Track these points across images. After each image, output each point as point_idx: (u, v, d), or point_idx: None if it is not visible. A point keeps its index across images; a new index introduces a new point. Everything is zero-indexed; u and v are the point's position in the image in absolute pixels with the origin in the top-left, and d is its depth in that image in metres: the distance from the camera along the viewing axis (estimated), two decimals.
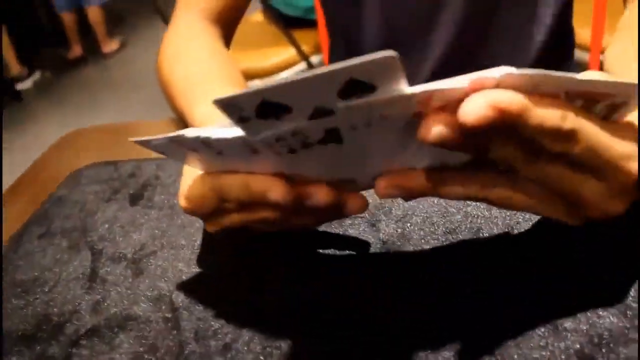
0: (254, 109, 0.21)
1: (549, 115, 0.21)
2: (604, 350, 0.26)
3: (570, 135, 0.21)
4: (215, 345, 0.31)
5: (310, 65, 1.53)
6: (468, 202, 0.37)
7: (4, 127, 2.73)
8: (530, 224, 0.34)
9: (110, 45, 3.48)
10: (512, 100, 0.20)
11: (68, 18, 3.38)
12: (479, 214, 0.36)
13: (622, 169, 0.23)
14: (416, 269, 0.33)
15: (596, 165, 0.23)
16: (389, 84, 0.20)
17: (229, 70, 0.48)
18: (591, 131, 0.22)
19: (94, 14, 3.34)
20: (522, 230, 0.34)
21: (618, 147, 0.23)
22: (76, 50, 3.49)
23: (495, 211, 0.35)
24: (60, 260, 0.41)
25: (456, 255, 0.33)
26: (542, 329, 0.28)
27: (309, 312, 0.32)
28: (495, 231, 0.34)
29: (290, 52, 1.51)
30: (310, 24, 1.50)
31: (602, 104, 0.23)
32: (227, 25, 0.59)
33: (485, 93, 0.20)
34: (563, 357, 0.27)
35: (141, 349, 0.32)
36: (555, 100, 0.21)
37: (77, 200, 0.48)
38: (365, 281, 0.33)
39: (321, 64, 1.49)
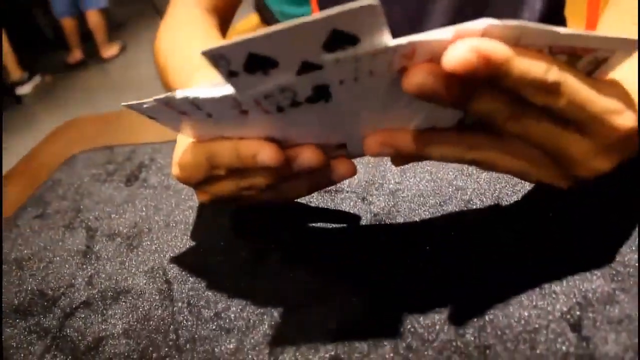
0: (242, 62, 0.21)
1: (533, 67, 0.21)
2: (590, 312, 0.27)
3: (554, 88, 0.22)
4: (207, 313, 0.31)
5: None
6: (458, 176, 0.37)
7: (4, 129, 2.73)
8: (520, 195, 0.34)
9: (110, 50, 3.50)
10: (496, 48, 0.20)
11: (68, 23, 3.40)
12: (469, 187, 0.36)
13: (607, 123, 0.23)
14: (407, 239, 0.33)
15: (581, 119, 0.23)
16: (372, 35, 0.20)
17: None
18: (575, 85, 0.22)
19: (94, 19, 3.36)
20: (512, 201, 0.34)
21: (602, 101, 0.23)
22: (76, 55, 3.51)
23: (484, 183, 0.36)
24: (55, 239, 0.42)
25: (447, 225, 0.33)
26: (532, 293, 0.28)
27: (300, 279, 0.32)
28: (485, 202, 0.34)
29: None
30: None
31: (585, 60, 0.23)
32: (223, 16, 0.60)
33: (469, 40, 0.20)
34: (551, 318, 0.27)
35: (134, 319, 0.32)
36: (539, 53, 0.22)
37: (73, 183, 0.48)
38: (356, 252, 0.33)
39: None
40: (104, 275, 0.36)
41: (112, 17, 3.68)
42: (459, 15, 0.58)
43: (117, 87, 3.07)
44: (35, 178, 0.52)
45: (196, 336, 0.30)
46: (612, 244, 0.30)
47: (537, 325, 0.26)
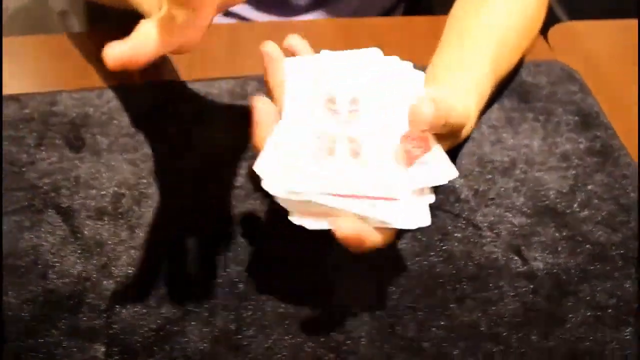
0: None
1: None
2: (520, 240, 0.41)
3: None
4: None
5: None
6: None
7: None
8: None
9: None
10: None
11: None
12: None
13: None
14: None
15: None
16: None
17: None
18: None
19: None
20: None
21: None
22: None
23: None
24: (24, 227, 0.38)
25: None
26: (488, 233, 0.41)
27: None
28: None
29: None
30: None
31: None
32: None
33: None
34: (503, 247, 0.40)
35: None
36: None
37: None
38: None
39: None
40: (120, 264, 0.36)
41: None
42: None
43: None
44: None
45: None
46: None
47: (495, 252, 0.40)
